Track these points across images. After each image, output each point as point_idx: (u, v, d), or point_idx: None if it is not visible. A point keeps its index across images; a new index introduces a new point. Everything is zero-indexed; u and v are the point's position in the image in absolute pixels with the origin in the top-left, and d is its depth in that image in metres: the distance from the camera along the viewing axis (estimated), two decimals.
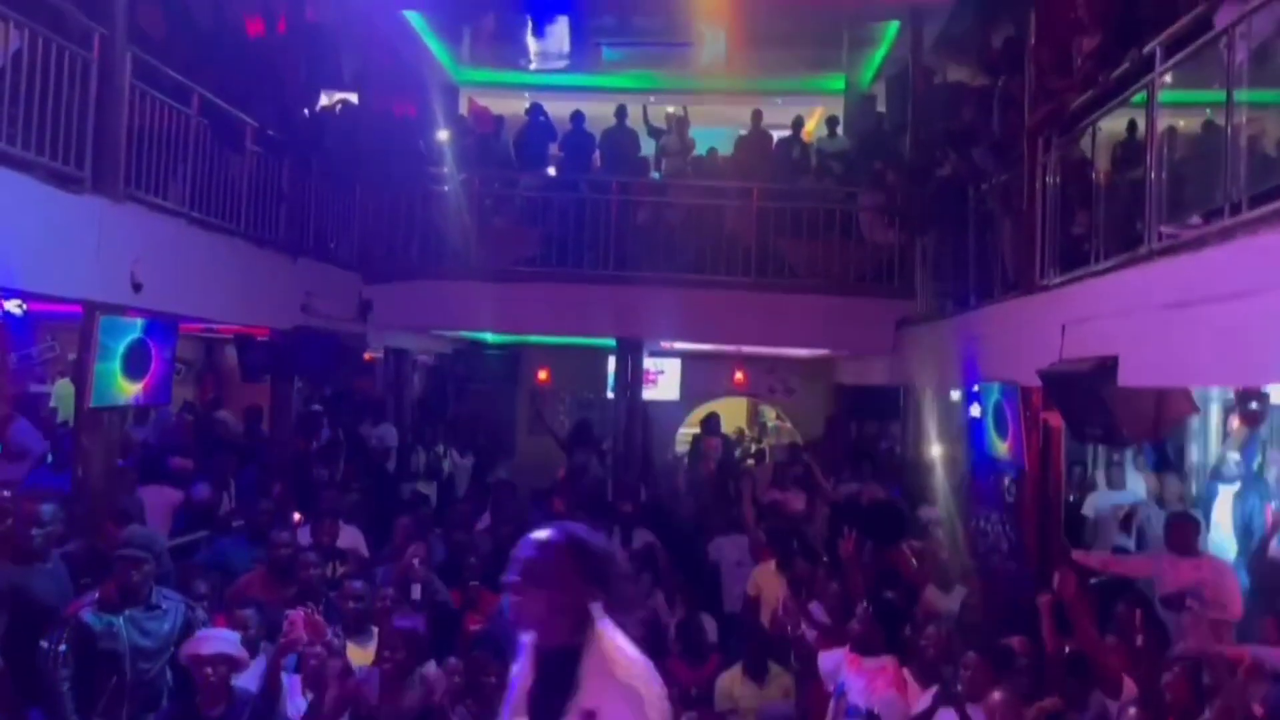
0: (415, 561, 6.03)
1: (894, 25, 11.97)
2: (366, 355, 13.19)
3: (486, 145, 11.89)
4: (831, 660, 5.32)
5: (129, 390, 6.26)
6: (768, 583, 7.14)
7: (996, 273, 7.80)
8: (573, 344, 14.00)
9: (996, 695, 4.47)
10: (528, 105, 12.49)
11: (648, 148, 12.44)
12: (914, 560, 7.04)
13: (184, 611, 4.80)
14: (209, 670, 4.32)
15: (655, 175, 12.08)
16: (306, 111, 9.61)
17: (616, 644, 2.46)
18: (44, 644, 4.35)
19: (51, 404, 11.09)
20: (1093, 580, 7.51)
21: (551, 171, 11.86)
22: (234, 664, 4.43)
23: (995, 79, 8.01)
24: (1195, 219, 4.79)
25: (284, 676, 4.57)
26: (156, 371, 6.47)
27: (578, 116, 12.13)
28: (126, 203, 6.22)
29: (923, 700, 4.98)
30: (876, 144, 11.52)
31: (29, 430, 8.68)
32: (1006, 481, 8.29)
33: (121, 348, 6.12)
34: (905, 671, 5.10)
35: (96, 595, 4.57)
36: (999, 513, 8.83)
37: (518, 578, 2.50)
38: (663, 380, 14.44)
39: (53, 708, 4.38)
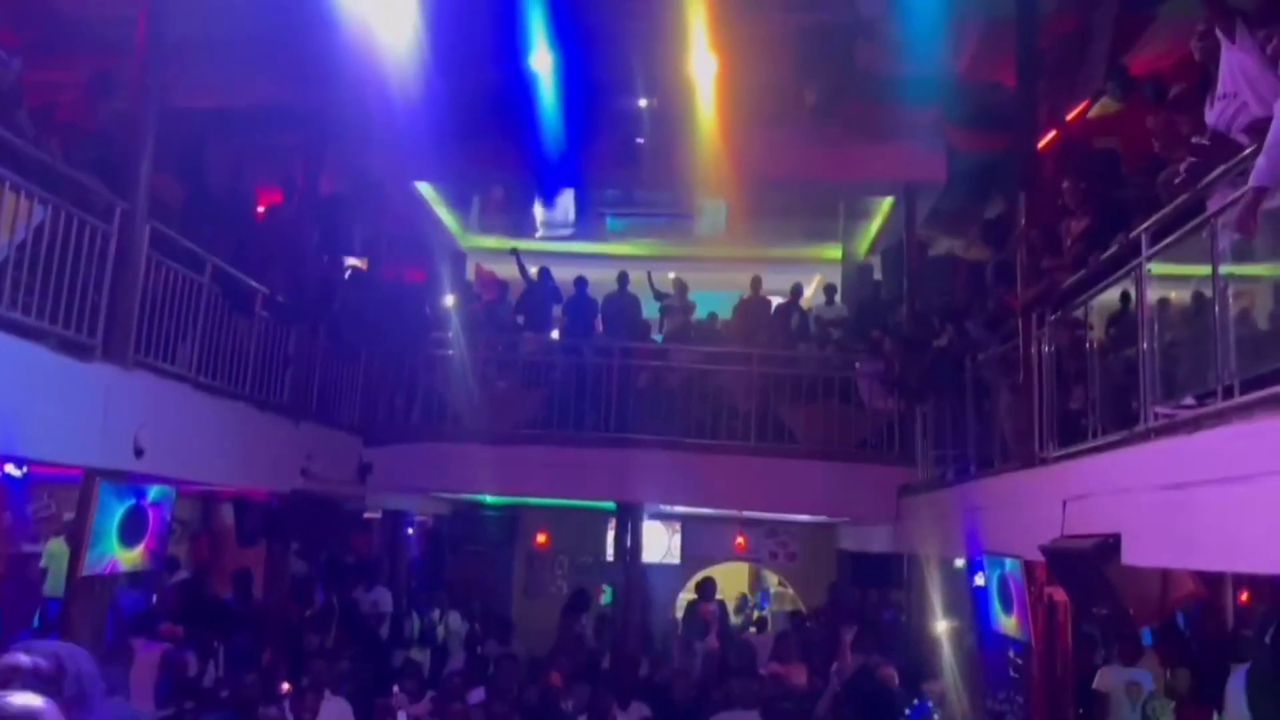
0: None
1: (889, 200, 12.39)
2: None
3: (491, 310, 12.11)
4: None
5: (123, 557, 6.19)
6: None
7: (996, 443, 7.83)
8: (572, 506, 13.91)
9: None
10: (535, 270, 12.79)
11: (649, 312, 12.66)
12: None
13: None
14: None
15: (657, 337, 12.27)
16: (316, 279, 9.84)
17: None
18: None
19: (42, 564, 10.92)
20: None
21: (555, 335, 12.03)
22: None
23: (988, 250, 8.26)
24: (1189, 399, 4.85)
25: None
26: (152, 537, 6.42)
27: (581, 281, 12.40)
28: (135, 370, 6.29)
29: None
30: (873, 312, 11.75)
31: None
32: (1011, 654, 8.11)
33: (119, 513, 6.09)
34: None
35: None
36: (1008, 690, 8.60)
37: None
38: (662, 544, 14.29)
39: None
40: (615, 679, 8.99)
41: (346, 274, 10.74)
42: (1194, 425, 4.57)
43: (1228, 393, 4.32)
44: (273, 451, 8.37)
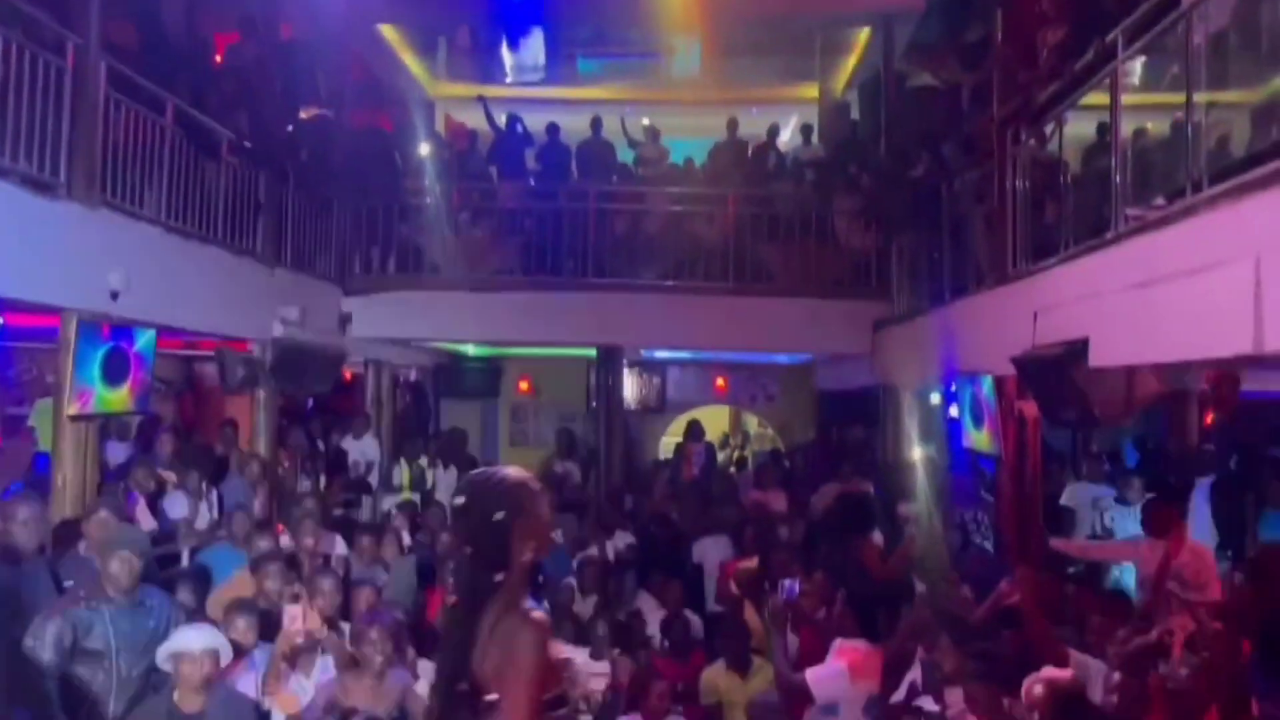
0: None
1: (866, 32, 12.12)
2: (346, 374, 13.18)
3: (463, 160, 11.95)
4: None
5: (108, 399, 6.24)
6: (748, 577, 7.18)
7: (970, 268, 7.90)
8: (554, 355, 14.05)
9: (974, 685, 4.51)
10: (504, 117, 12.56)
11: (624, 157, 12.51)
12: (882, 553, 7.06)
13: (169, 610, 4.79)
14: (194, 666, 4.32)
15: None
16: (282, 126, 9.64)
17: None
18: (29, 642, 4.33)
19: (30, 423, 11.01)
20: (1070, 569, 7.62)
21: (532, 177, 11.89)
22: (218, 660, 4.43)
23: (965, 73, 8.14)
24: (1160, 200, 4.90)
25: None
26: (135, 379, 6.46)
27: (553, 128, 12.20)
28: (102, 210, 6.23)
29: (899, 692, 5.02)
30: (851, 150, 11.64)
31: None
32: (982, 473, 8.39)
33: (100, 355, 6.11)
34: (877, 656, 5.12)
35: (81, 593, 4.56)
36: (977, 509, 8.92)
37: None
38: (643, 390, 14.51)
39: (40, 706, 4.36)
40: (600, 511, 9.27)
41: (311, 119, 10.50)
42: (1162, 223, 4.63)
43: (1196, 188, 4.36)
44: (250, 299, 8.36)
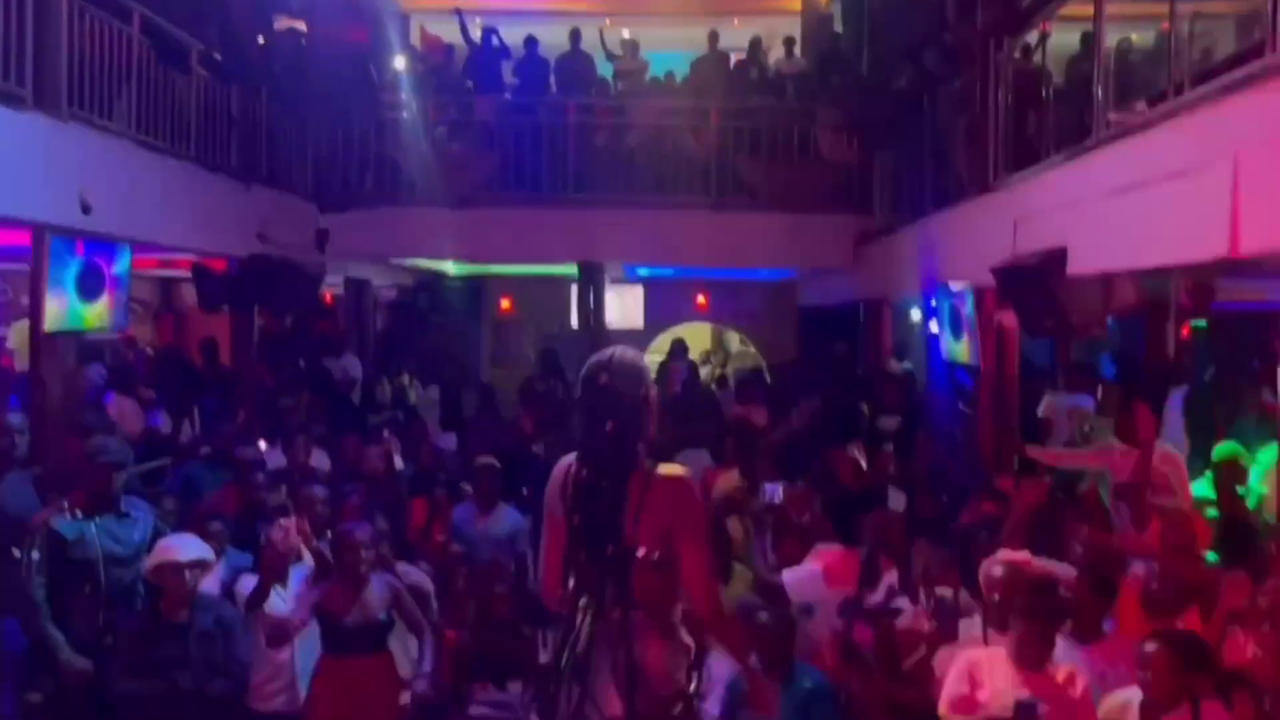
0: None
1: None
2: (326, 296, 13.10)
3: (439, 74, 11.74)
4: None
5: (84, 314, 6.19)
6: (730, 489, 7.25)
7: (951, 180, 7.87)
8: (535, 274, 13.98)
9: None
10: (480, 30, 12.30)
11: (604, 72, 12.32)
12: (856, 465, 7.15)
13: (153, 521, 4.82)
14: (181, 576, 4.37)
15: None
16: (253, 39, 9.43)
17: None
18: (16, 552, 4.36)
19: (10, 345, 10.94)
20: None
21: (510, 91, 11.69)
22: (205, 569, 4.48)
23: None
24: (1141, 106, 4.88)
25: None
26: (111, 296, 6.41)
27: (531, 42, 11.97)
28: (71, 122, 6.10)
29: (876, 594, 5.11)
30: (834, 63, 11.50)
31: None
32: (960, 385, 8.46)
33: (74, 270, 6.05)
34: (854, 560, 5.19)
35: (66, 504, 4.58)
36: (955, 423, 9.01)
37: None
38: (625, 308, 14.48)
39: (27, 616, 4.41)
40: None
41: (284, 31, 10.27)
42: (1143, 128, 4.62)
43: (1178, 90, 4.34)
44: (225, 214, 8.25)
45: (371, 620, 4.55)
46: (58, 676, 4.44)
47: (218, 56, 8.12)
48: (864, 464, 7.29)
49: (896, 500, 6.84)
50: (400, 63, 11.68)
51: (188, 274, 9.03)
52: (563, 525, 2.74)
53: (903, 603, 4.89)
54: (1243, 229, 3.65)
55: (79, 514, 4.54)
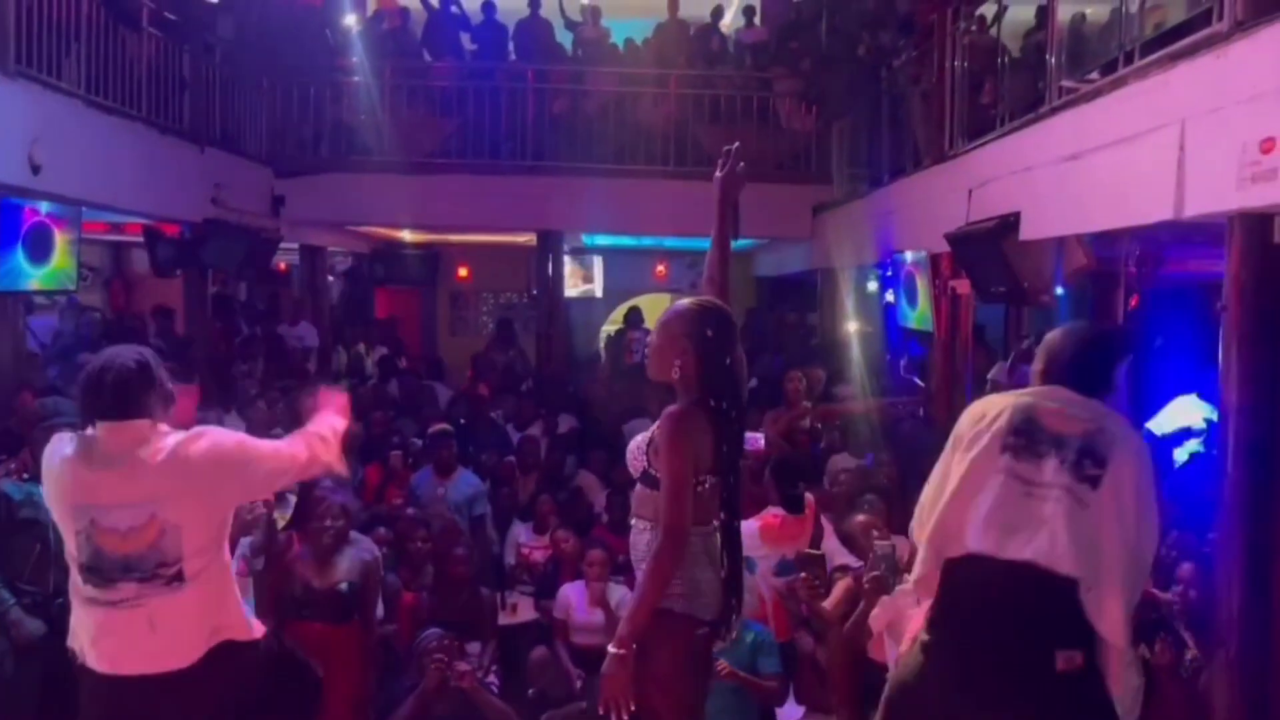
0: None
1: None
2: (281, 266, 12.94)
3: (396, 38, 11.59)
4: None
5: (34, 274, 6.09)
6: None
7: (908, 150, 7.95)
8: (494, 242, 13.92)
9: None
10: None
11: (563, 39, 12.23)
12: (803, 382, 7.26)
13: None
14: None
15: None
16: None
17: None
18: None
19: None
20: None
21: (468, 51, 11.57)
22: None
23: None
24: (1094, 75, 4.96)
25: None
26: (62, 256, 6.31)
27: (489, 6, 11.85)
28: (18, 80, 5.97)
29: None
30: (793, 32, 11.50)
31: None
32: (905, 360, 8.59)
33: (22, 231, 5.94)
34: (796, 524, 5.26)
35: (13, 465, 4.52)
36: (905, 393, 9.15)
37: None
38: (583, 278, 14.49)
39: None
40: (542, 394, 9.34)
41: None
42: (1094, 95, 4.70)
43: (1129, 58, 4.42)
44: (179, 178, 8.12)
45: (331, 588, 4.52)
46: (9, 638, 4.40)
47: (170, 16, 7.96)
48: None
49: (845, 464, 6.98)
50: (356, 25, 11.52)
51: (139, 239, 8.90)
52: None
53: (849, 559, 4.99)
54: (1188, 192, 3.74)
55: (26, 475, 4.48)
